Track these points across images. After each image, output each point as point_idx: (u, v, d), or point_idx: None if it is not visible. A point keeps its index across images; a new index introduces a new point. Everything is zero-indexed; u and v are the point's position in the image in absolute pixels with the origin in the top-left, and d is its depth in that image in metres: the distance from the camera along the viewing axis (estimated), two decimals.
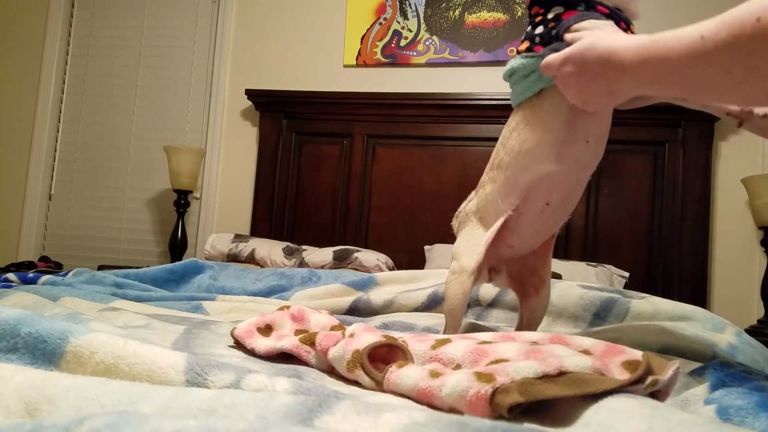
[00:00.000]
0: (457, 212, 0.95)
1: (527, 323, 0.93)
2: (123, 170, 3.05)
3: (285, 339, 0.70)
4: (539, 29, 0.76)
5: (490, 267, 0.88)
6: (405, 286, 1.33)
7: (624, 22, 0.74)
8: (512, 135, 0.81)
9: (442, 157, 2.57)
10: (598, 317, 1.06)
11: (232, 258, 2.39)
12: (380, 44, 2.75)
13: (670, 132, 2.36)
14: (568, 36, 0.71)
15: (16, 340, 0.51)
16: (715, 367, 0.64)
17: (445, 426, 0.34)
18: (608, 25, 0.71)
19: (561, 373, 0.46)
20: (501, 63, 2.61)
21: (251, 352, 0.71)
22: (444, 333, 0.87)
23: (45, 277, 1.36)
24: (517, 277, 0.94)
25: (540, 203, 0.81)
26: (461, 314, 0.84)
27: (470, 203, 0.90)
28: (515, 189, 0.80)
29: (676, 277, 2.31)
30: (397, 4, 2.75)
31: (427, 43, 2.71)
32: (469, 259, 0.83)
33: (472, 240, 0.85)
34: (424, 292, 1.23)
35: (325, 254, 2.29)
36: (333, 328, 0.74)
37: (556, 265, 2.10)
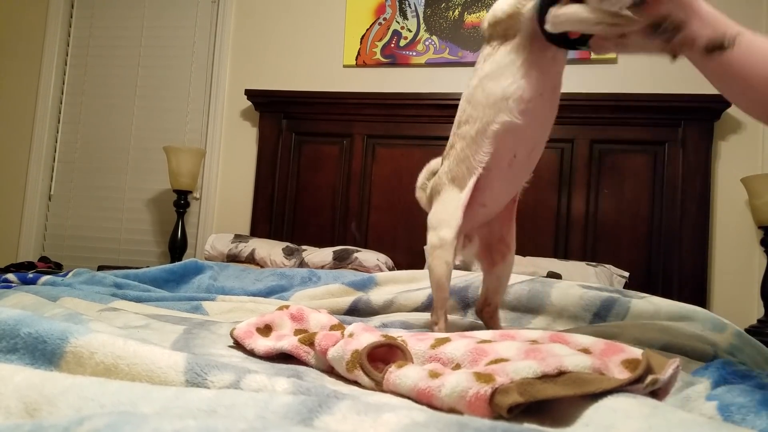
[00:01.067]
0: (420, 183, 0.97)
1: (493, 291, 0.96)
2: (123, 170, 3.05)
3: (284, 339, 0.70)
4: None
5: (464, 233, 0.90)
6: (405, 286, 1.32)
7: None
8: (476, 91, 0.84)
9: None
10: (598, 317, 1.06)
11: (232, 258, 2.39)
12: (380, 44, 2.75)
13: (670, 132, 2.36)
14: None
15: (16, 340, 0.51)
16: (717, 366, 0.64)
17: (445, 426, 0.34)
18: None
19: (560, 373, 0.46)
20: None
21: (251, 353, 0.71)
22: (433, 309, 0.89)
23: (45, 278, 1.36)
24: (486, 246, 0.97)
25: (508, 156, 0.84)
26: (447, 285, 0.87)
27: (442, 167, 0.92)
28: (484, 142, 0.83)
29: (676, 276, 2.31)
30: (397, 4, 2.75)
31: (427, 43, 2.71)
32: (448, 230, 0.86)
33: (450, 205, 0.87)
34: (424, 292, 1.23)
35: (325, 254, 2.29)
36: (332, 328, 0.74)
37: (557, 264, 2.10)
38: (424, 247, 2.42)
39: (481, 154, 0.84)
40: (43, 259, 2.84)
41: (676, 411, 0.41)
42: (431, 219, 0.90)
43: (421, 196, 0.98)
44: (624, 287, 2.08)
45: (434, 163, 0.98)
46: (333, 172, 2.69)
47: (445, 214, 0.87)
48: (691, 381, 0.64)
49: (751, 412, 0.48)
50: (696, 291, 2.28)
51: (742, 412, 0.48)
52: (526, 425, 0.43)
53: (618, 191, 2.40)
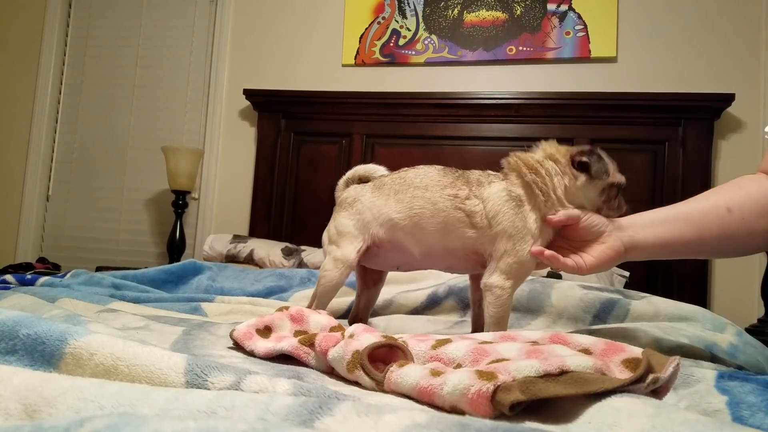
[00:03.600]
0: (345, 179, 1.03)
1: (364, 309, 1.02)
2: (121, 171, 3.05)
3: (284, 340, 0.69)
4: None
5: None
6: (404, 286, 1.32)
7: None
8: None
9: (441, 156, 2.56)
10: (598, 319, 1.06)
11: (231, 259, 2.39)
12: (379, 43, 2.75)
13: (670, 131, 2.36)
14: None
15: (15, 341, 0.51)
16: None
17: (447, 427, 0.34)
18: None
19: (563, 372, 0.46)
20: (500, 62, 2.61)
21: (250, 354, 0.70)
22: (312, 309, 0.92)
23: (43, 279, 1.35)
24: (363, 269, 1.02)
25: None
26: (332, 298, 0.93)
27: (366, 188, 0.97)
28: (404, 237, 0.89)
29: (677, 275, 2.31)
30: (396, 3, 2.75)
31: (426, 42, 2.70)
32: (352, 248, 0.91)
33: (356, 230, 0.93)
34: (424, 292, 1.23)
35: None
36: (332, 329, 0.74)
37: None
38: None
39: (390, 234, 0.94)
40: (41, 260, 2.83)
41: (680, 410, 0.41)
42: (337, 228, 0.96)
43: (339, 195, 1.04)
44: (624, 286, 2.08)
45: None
46: (332, 172, 2.69)
47: (350, 235, 0.93)
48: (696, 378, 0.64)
49: (760, 411, 0.47)
50: (696, 290, 2.28)
51: (752, 410, 0.48)
52: (528, 423, 0.42)
53: None
